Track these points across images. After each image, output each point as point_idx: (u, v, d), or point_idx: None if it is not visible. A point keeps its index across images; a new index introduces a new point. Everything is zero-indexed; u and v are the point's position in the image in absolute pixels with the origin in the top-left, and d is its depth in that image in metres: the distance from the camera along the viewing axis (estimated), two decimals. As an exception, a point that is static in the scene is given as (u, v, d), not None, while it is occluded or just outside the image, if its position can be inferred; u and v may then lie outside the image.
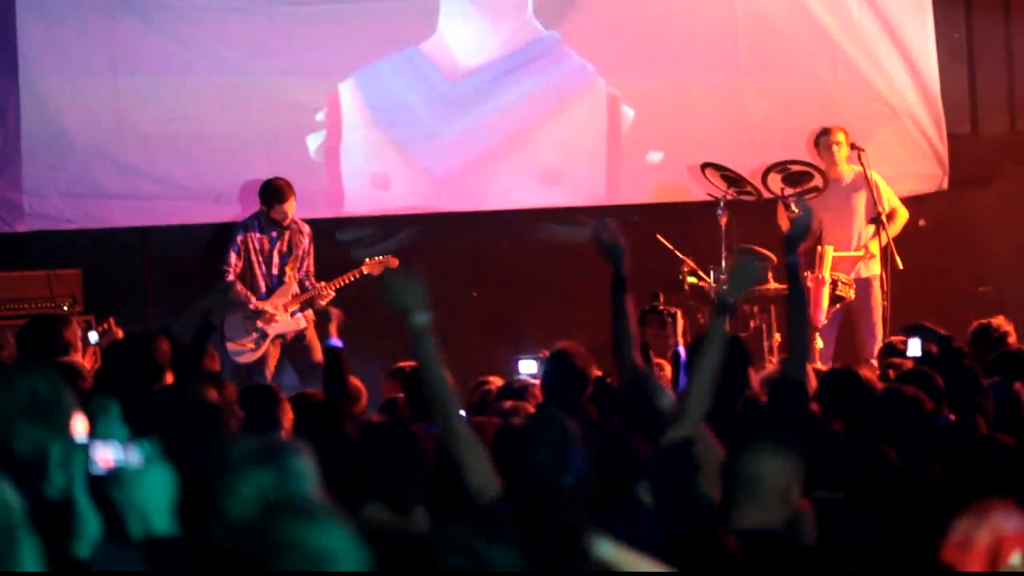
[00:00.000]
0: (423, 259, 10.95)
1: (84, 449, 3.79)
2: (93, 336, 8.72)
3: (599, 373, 7.03)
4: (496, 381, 7.89)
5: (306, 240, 11.19)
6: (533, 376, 7.88)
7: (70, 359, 7.64)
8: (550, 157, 12.33)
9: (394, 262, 11.13)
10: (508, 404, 6.72)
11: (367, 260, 11.17)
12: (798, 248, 5.99)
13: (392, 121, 12.19)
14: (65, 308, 10.78)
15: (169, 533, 3.60)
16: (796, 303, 6.02)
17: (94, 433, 3.84)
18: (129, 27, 11.69)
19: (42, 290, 11.16)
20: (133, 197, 11.74)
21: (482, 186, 12.31)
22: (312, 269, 11.23)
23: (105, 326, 9.20)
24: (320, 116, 12.09)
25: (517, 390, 7.39)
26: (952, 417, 6.50)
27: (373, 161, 12.20)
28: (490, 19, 12.29)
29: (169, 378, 6.70)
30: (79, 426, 3.87)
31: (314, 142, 12.08)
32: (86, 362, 8.08)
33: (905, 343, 7.72)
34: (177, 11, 11.78)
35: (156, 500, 3.59)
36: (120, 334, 8.66)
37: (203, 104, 11.80)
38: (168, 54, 11.74)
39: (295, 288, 11.14)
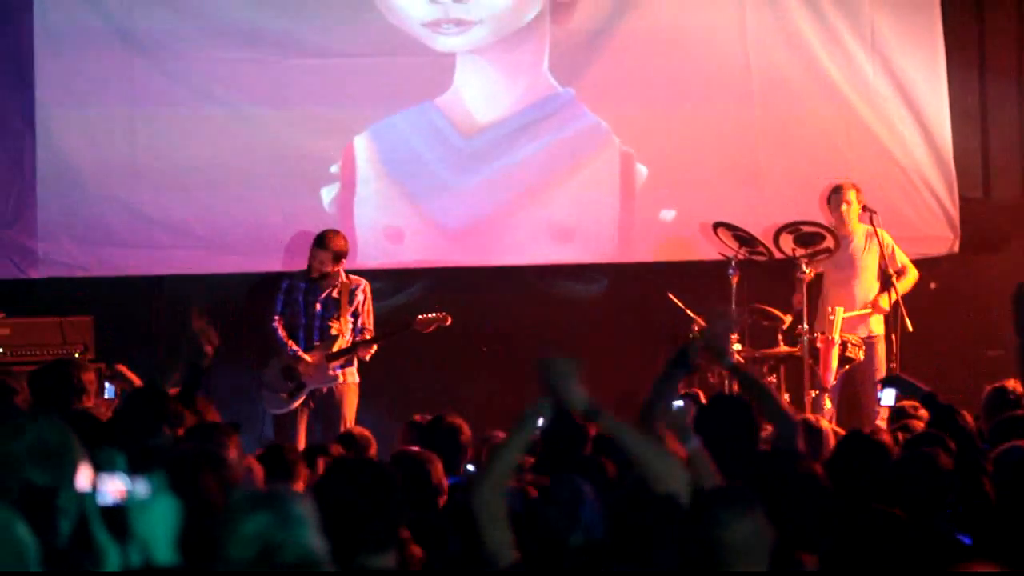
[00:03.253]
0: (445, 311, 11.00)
1: (92, 489, 3.82)
2: (109, 390, 8.70)
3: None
4: (503, 436, 7.87)
5: (361, 296, 11.03)
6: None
7: (84, 405, 7.63)
8: (563, 213, 12.35)
9: (448, 321, 10.96)
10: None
11: (419, 317, 11.00)
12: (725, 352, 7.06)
13: (406, 175, 12.22)
14: (76, 355, 10.79)
15: (170, 564, 3.63)
16: (750, 387, 6.67)
17: (99, 482, 3.87)
18: (146, 78, 11.74)
19: (54, 336, 11.17)
20: (146, 246, 11.77)
21: (495, 241, 12.33)
22: (370, 326, 11.06)
23: (111, 372, 9.19)
24: (335, 168, 12.14)
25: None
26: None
27: (386, 214, 12.22)
28: (506, 75, 12.34)
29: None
30: (84, 475, 3.89)
31: (328, 194, 12.11)
32: (101, 409, 8.07)
33: (883, 395, 7.81)
34: (193, 61, 11.83)
35: (161, 531, 3.62)
36: (137, 381, 8.64)
37: (218, 154, 11.84)
38: (184, 104, 11.79)
39: (342, 343, 10.98)
